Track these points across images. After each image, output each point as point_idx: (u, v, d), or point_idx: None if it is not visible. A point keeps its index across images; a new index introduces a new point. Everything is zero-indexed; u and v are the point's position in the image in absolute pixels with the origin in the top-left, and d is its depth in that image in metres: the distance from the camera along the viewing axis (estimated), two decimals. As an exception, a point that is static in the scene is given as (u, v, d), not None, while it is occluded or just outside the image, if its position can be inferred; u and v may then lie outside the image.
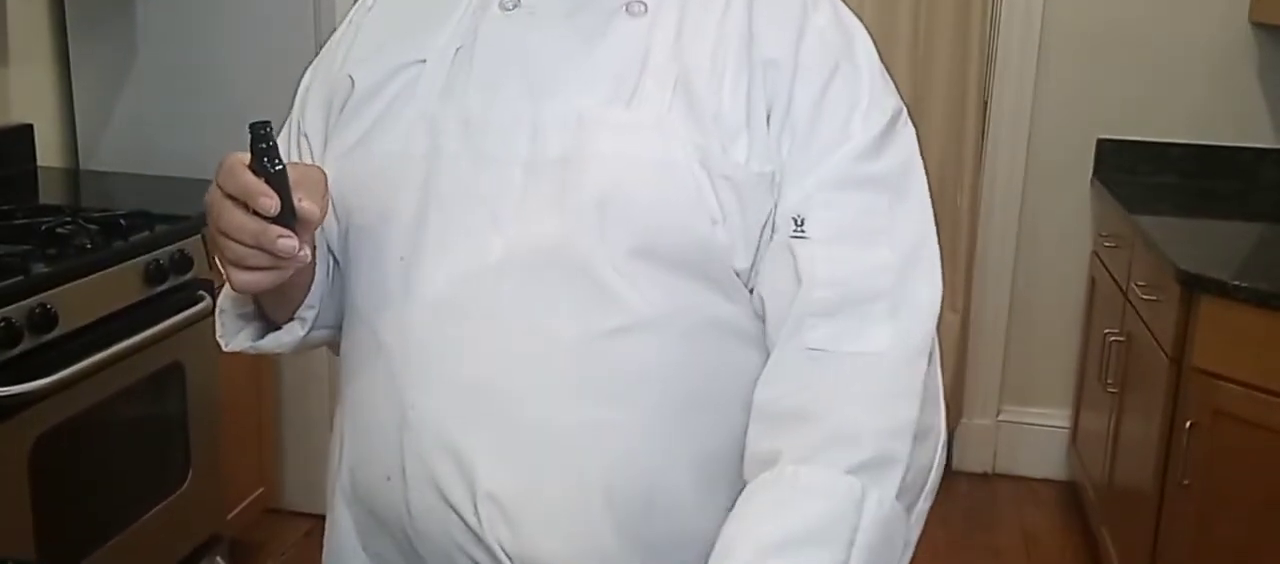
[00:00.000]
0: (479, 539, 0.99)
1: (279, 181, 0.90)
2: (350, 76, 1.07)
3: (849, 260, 0.96)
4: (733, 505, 0.94)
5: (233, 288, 0.96)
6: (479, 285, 0.98)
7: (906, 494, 0.92)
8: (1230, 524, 2.34)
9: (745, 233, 0.98)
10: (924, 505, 0.95)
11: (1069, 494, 3.53)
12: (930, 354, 0.97)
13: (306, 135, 1.11)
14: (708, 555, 0.93)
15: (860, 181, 0.98)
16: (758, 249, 0.99)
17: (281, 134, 1.16)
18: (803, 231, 0.97)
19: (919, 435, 0.93)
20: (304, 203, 0.92)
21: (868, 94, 1.01)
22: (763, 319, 1.00)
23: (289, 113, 1.17)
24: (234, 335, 1.11)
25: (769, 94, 0.99)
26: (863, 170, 0.99)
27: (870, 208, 0.98)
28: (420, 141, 1.02)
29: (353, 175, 1.05)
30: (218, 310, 1.08)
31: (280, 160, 0.91)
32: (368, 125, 1.05)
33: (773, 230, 0.99)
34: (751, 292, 1.00)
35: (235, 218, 0.90)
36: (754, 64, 1.00)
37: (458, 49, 1.04)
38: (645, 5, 1.02)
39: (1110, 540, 2.89)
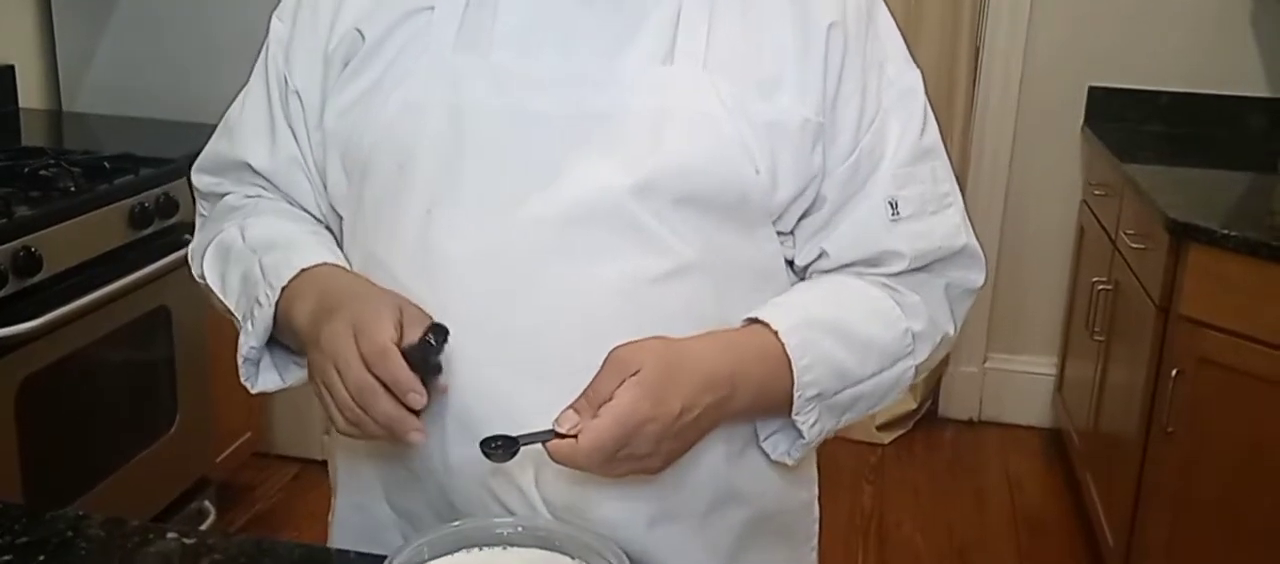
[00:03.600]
0: (520, 490, 1.01)
1: (432, 378, 0.94)
2: (358, 31, 1.06)
3: (933, 232, 1.08)
4: (750, 455, 1.07)
5: (331, 427, 0.98)
6: (521, 236, 0.99)
7: (917, 373, 1.09)
8: (1214, 472, 2.36)
9: (790, 178, 1.02)
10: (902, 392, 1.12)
11: (1054, 441, 3.56)
12: (971, 292, 1.12)
13: (298, 92, 1.09)
14: (736, 510, 1.07)
15: (923, 153, 1.08)
16: (798, 194, 1.03)
17: (252, 83, 1.15)
18: (898, 214, 1.06)
19: (943, 345, 1.11)
20: (443, 380, 0.96)
21: (902, 55, 1.10)
22: (797, 264, 1.08)
23: (258, 58, 1.14)
24: (258, 378, 1.10)
25: (830, 55, 1.03)
26: (924, 142, 1.08)
27: (936, 175, 1.09)
28: (440, 91, 1.02)
29: (365, 126, 1.04)
30: (241, 358, 1.07)
31: (440, 362, 0.95)
32: (377, 75, 1.05)
33: (832, 191, 1.05)
34: (784, 232, 1.06)
35: (380, 401, 0.93)
36: (810, 24, 1.03)
37: None
38: None
39: (1094, 487, 2.92)
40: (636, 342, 0.94)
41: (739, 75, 1.01)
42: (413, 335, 0.94)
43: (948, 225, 1.09)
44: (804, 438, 1.02)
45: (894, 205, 1.05)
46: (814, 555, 1.21)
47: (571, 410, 0.92)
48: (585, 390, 0.93)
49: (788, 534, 1.17)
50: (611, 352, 0.94)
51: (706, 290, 1.02)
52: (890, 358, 1.06)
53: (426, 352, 0.94)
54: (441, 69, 1.02)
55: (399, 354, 0.93)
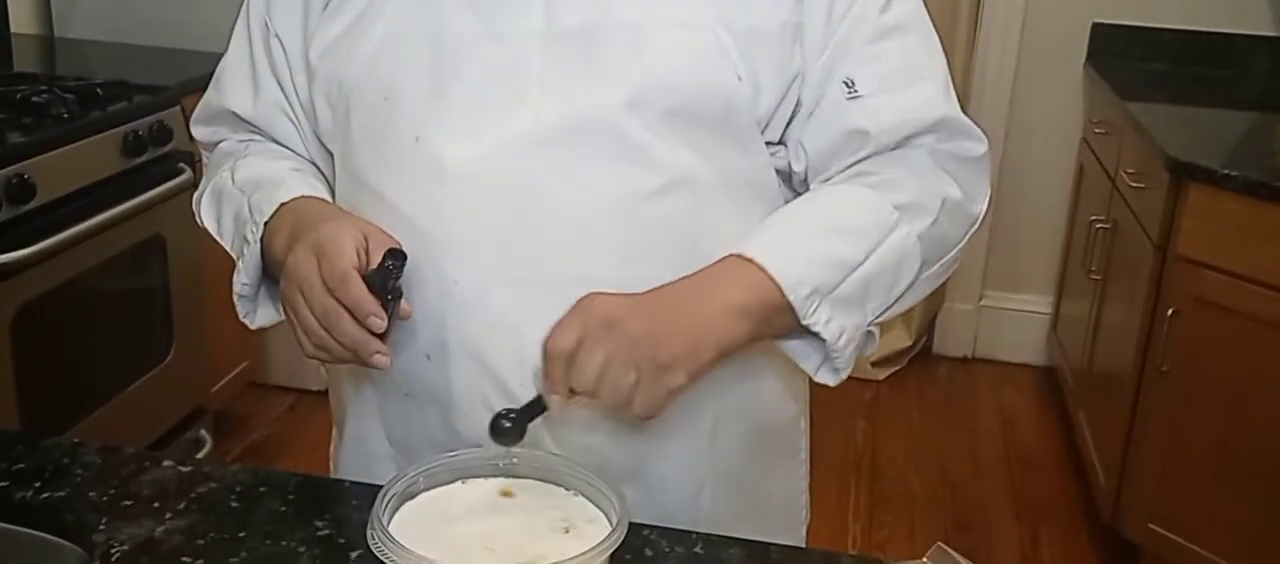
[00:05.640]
0: None
1: (393, 303, 0.96)
2: None
3: (902, 105, 1.05)
4: (745, 371, 1.07)
5: (304, 353, 1.00)
6: (514, 158, 0.99)
7: (927, 244, 1.04)
8: (1207, 410, 2.37)
9: (771, 83, 1.02)
10: (936, 271, 1.07)
11: (1048, 379, 3.57)
12: (974, 161, 1.08)
13: (279, 37, 1.11)
14: (733, 426, 1.10)
15: (888, 30, 1.05)
16: (781, 98, 1.03)
17: (235, 32, 1.17)
18: (857, 92, 1.04)
19: (952, 210, 1.06)
20: (406, 305, 0.98)
21: None
22: (793, 170, 1.07)
23: (242, 7, 1.16)
24: (256, 313, 1.11)
25: None
26: (888, 20, 1.05)
27: (907, 49, 1.07)
28: (418, 21, 1.03)
29: (348, 59, 1.05)
30: (236, 296, 1.09)
31: (401, 287, 0.96)
32: (358, 10, 1.06)
33: (808, 90, 1.03)
34: (770, 143, 1.05)
35: (343, 324, 0.95)
36: None
37: None
38: None
39: (1087, 425, 2.93)
40: None
41: None
42: (378, 260, 0.97)
43: (919, 98, 1.06)
44: (827, 341, 0.99)
45: (850, 84, 1.03)
46: (804, 468, 1.24)
47: None
48: None
49: (780, 448, 1.19)
50: None
51: (700, 205, 1.02)
52: (881, 231, 1.02)
53: (385, 276, 0.96)
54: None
55: (359, 278, 0.95)
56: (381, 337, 0.96)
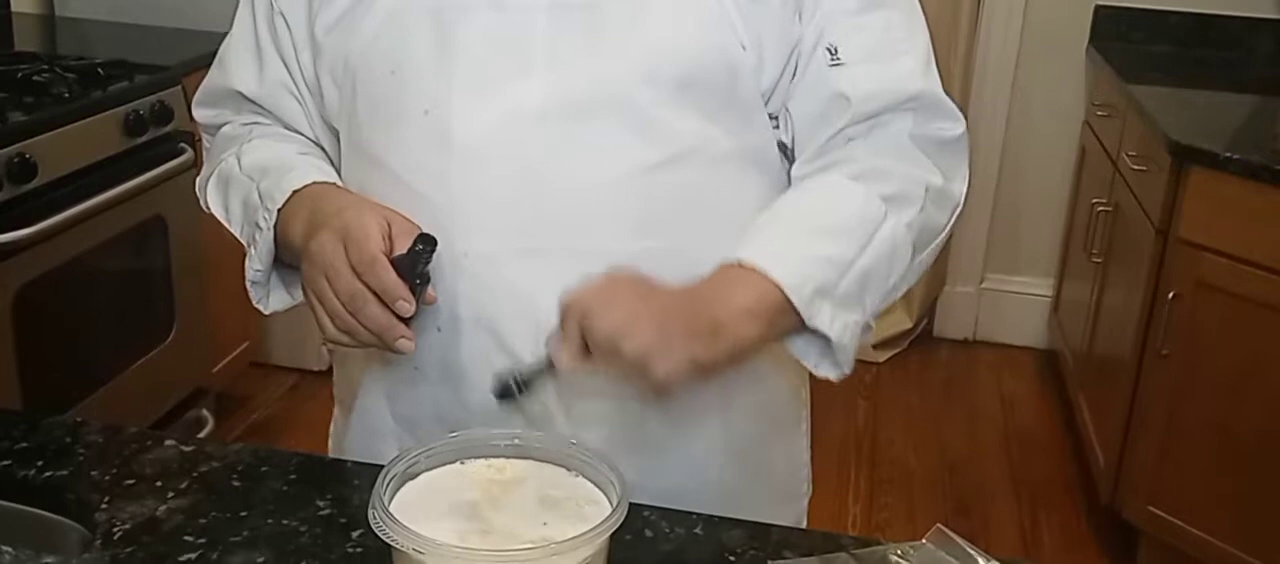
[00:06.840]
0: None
1: (421, 287, 0.96)
2: None
3: (882, 76, 1.06)
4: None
5: (324, 337, 1.00)
6: (522, 130, 1.00)
7: (916, 232, 1.05)
8: (1206, 394, 2.37)
9: (774, 52, 1.03)
10: (925, 257, 1.08)
11: (1048, 362, 3.57)
12: (951, 143, 1.08)
13: (283, 15, 1.11)
14: (740, 400, 1.11)
15: (873, 3, 1.06)
16: (783, 69, 1.04)
17: (239, 11, 1.17)
18: (839, 59, 1.04)
19: (936, 196, 1.07)
20: (431, 291, 0.98)
21: None
22: (790, 142, 1.08)
23: None
24: (269, 298, 1.12)
25: None
26: None
27: (889, 24, 1.07)
28: None
29: (354, 36, 1.05)
30: (249, 282, 1.10)
31: (428, 272, 0.97)
32: None
33: (800, 59, 1.04)
34: (772, 117, 1.07)
35: (370, 308, 0.96)
36: None
37: None
38: None
39: (1087, 407, 2.94)
40: None
41: None
42: (401, 246, 0.97)
43: (899, 71, 1.06)
44: (833, 339, 1.00)
45: (833, 51, 1.04)
46: (805, 440, 1.26)
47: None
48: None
49: (783, 419, 1.21)
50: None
51: (707, 176, 1.04)
52: (870, 224, 1.02)
53: (415, 261, 0.96)
54: None
55: (387, 263, 0.95)
56: (407, 321, 0.96)
